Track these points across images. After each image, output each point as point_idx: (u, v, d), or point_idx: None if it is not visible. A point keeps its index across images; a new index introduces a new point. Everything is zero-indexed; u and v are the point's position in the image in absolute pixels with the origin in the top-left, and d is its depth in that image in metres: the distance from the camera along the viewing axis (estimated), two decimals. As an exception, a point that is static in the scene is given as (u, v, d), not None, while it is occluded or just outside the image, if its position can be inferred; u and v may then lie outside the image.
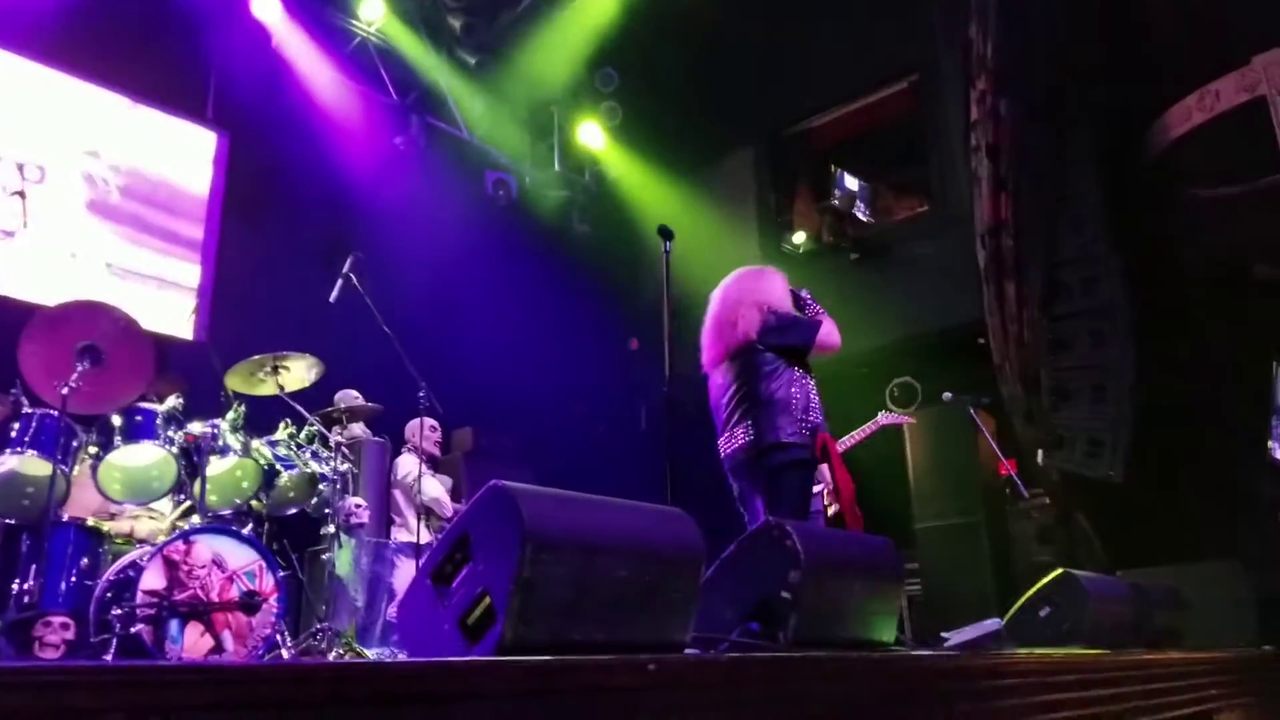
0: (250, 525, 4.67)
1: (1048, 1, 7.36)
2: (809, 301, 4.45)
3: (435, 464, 6.70)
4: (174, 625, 3.82)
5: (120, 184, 7.41)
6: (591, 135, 10.33)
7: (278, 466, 4.93)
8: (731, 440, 4.19)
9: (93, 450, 4.52)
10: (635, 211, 10.24)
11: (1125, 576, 5.17)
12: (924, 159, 9.54)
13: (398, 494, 6.33)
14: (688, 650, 2.12)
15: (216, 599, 3.96)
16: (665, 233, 4.40)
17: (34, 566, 4.01)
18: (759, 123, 10.66)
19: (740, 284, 4.42)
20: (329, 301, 5.61)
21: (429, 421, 6.27)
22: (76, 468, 4.48)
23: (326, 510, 5.14)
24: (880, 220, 9.80)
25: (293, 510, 5.16)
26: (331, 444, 5.22)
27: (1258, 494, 6.66)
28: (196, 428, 4.64)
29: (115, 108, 7.51)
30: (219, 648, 3.90)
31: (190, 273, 7.69)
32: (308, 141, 8.22)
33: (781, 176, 10.67)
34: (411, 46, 9.02)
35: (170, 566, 3.89)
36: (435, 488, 6.31)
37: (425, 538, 5.59)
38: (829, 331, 4.23)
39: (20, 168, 6.85)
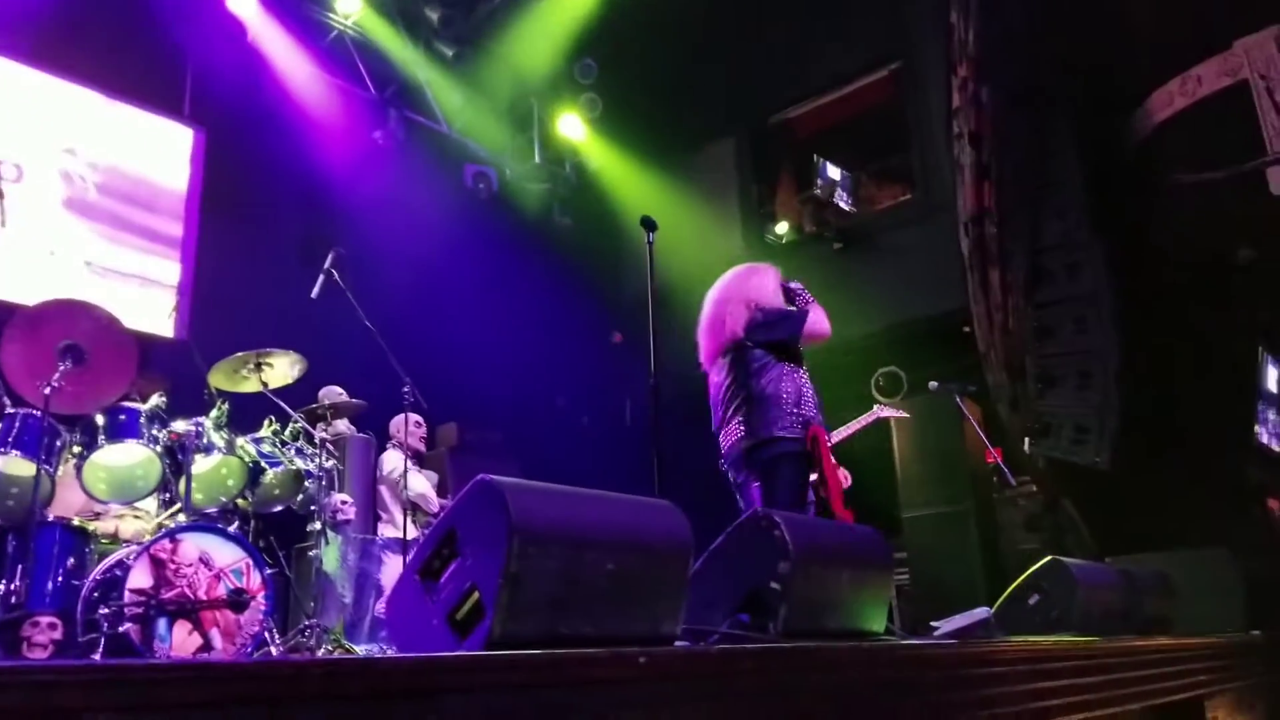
0: (236, 523, 4.65)
1: (1028, -13, 7.38)
2: (799, 292, 4.51)
3: (420, 459, 6.68)
4: (162, 624, 3.80)
5: (98, 181, 7.35)
6: (572, 127, 10.29)
7: (263, 464, 4.91)
8: (728, 436, 4.33)
9: (76, 450, 4.49)
10: (617, 203, 10.21)
11: (1114, 563, 5.18)
12: (906, 147, 9.55)
13: (384, 490, 6.30)
14: (677, 643, 2.11)
15: (204, 597, 3.93)
16: (648, 224, 4.39)
17: (20, 567, 3.99)
18: (740, 112, 10.65)
19: (731, 283, 4.53)
20: (311, 297, 5.58)
21: (413, 417, 6.25)
22: (61, 468, 4.44)
23: (312, 507, 5.12)
24: (863, 209, 9.81)
25: (279, 507, 5.13)
26: (316, 441, 5.20)
27: (1244, 479, 6.71)
28: (180, 426, 4.61)
29: (91, 105, 7.44)
30: (207, 646, 3.88)
31: (170, 270, 7.63)
32: (286, 136, 8.16)
33: (764, 166, 10.66)
34: (389, 39, 8.97)
35: (157, 565, 3.87)
36: (421, 483, 6.29)
37: (412, 533, 5.57)
38: (815, 321, 4.32)
39: (-3, 166, 6.79)
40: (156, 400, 4.71)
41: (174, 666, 1.24)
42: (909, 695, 2.36)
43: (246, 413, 5.09)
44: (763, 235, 10.29)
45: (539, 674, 1.57)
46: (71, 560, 4.19)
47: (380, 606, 5.54)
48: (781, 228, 10.27)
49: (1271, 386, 7.78)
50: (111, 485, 4.54)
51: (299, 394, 5.44)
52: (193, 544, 4.00)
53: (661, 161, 10.35)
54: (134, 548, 4.02)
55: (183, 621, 3.85)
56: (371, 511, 6.29)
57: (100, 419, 4.46)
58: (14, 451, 4.23)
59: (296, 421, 5.26)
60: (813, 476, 4.64)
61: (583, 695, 1.61)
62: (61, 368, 4.09)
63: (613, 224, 9.91)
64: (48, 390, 4.02)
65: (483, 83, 9.70)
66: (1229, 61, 6.75)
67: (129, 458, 4.57)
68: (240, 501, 4.91)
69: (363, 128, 8.95)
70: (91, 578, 4.05)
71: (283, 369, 5.13)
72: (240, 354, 4.97)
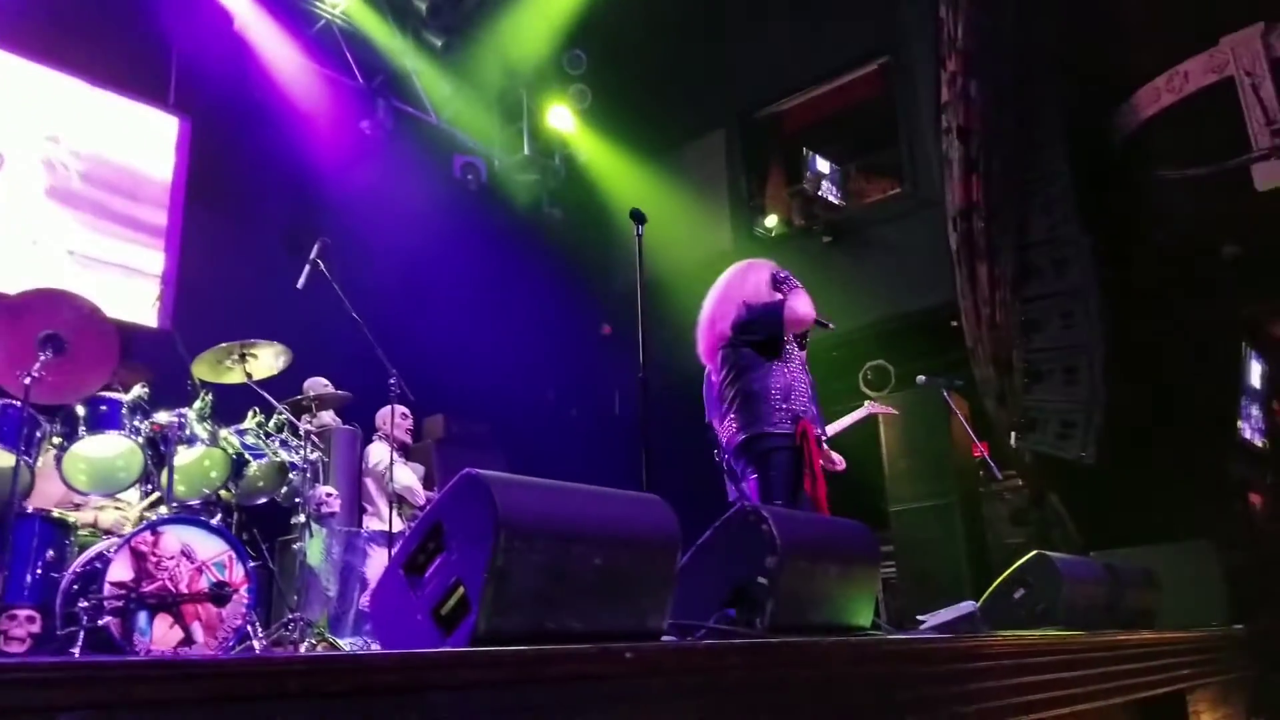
0: (219, 515, 4.60)
1: (1018, -18, 7.38)
2: (783, 280, 4.53)
3: (407, 452, 6.65)
4: (142, 617, 3.76)
5: (81, 170, 7.28)
6: (561, 118, 10.24)
7: (246, 456, 4.86)
8: (724, 431, 4.45)
9: (57, 441, 4.43)
10: (606, 195, 10.17)
11: (1099, 557, 5.21)
12: (895, 141, 9.55)
13: (369, 482, 6.27)
14: (664, 638, 2.10)
15: (186, 590, 3.89)
16: (637, 216, 4.41)
17: (-2, 559, 3.94)
18: (730, 105, 10.62)
19: (726, 281, 4.61)
20: (297, 288, 5.53)
21: (400, 409, 6.21)
22: (40, 459, 4.39)
23: (297, 499, 5.09)
24: (852, 203, 9.81)
25: (262, 500, 5.10)
26: (301, 432, 5.16)
27: (1227, 474, 6.75)
28: (163, 417, 4.57)
29: (75, 92, 7.36)
30: (189, 639, 3.85)
31: (154, 259, 7.57)
32: (272, 126, 8.10)
33: (753, 159, 10.65)
34: (377, 29, 8.91)
35: (138, 558, 3.83)
36: (407, 476, 6.26)
37: (398, 526, 5.55)
38: (793, 309, 4.37)
39: (-22, 154, 6.72)
40: (139, 391, 4.65)
41: (150, 664, 1.22)
42: (895, 690, 2.36)
43: (230, 404, 5.05)
44: (752, 228, 10.28)
45: (525, 670, 1.56)
46: (51, 553, 4.13)
47: (364, 600, 5.52)
48: (771, 221, 10.27)
49: (1254, 382, 7.83)
50: (92, 477, 4.49)
51: (284, 385, 5.40)
52: (175, 536, 3.95)
53: (651, 154, 10.32)
54: (114, 540, 3.98)
55: (164, 615, 3.81)
56: (357, 504, 6.26)
57: (81, 409, 4.40)
58: (-7, 442, 4.18)
59: (281, 413, 5.22)
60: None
61: (569, 691, 1.60)
62: (42, 358, 4.04)
63: (602, 216, 9.87)
64: (28, 380, 3.97)
65: (472, 73, 9.65)
66: (1215, 58, 6.77)
67: (110, 449, 4.52)
68: (223, 493, 4.86)
69: (350, 117, 8.88)
70: (71, 570, 4.00)
71: (267, 360, 5.09)
72: (224, 344, 4.93)
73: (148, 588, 3.79)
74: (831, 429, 5.74)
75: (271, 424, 5.16)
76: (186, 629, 3.85)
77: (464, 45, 9.44)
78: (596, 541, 1.89)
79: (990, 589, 4.03)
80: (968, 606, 3.84)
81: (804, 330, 4.53)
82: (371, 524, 6.10)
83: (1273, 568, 6.19)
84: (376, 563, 5.71)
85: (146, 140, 7.76)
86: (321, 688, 1.28)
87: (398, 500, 5.84)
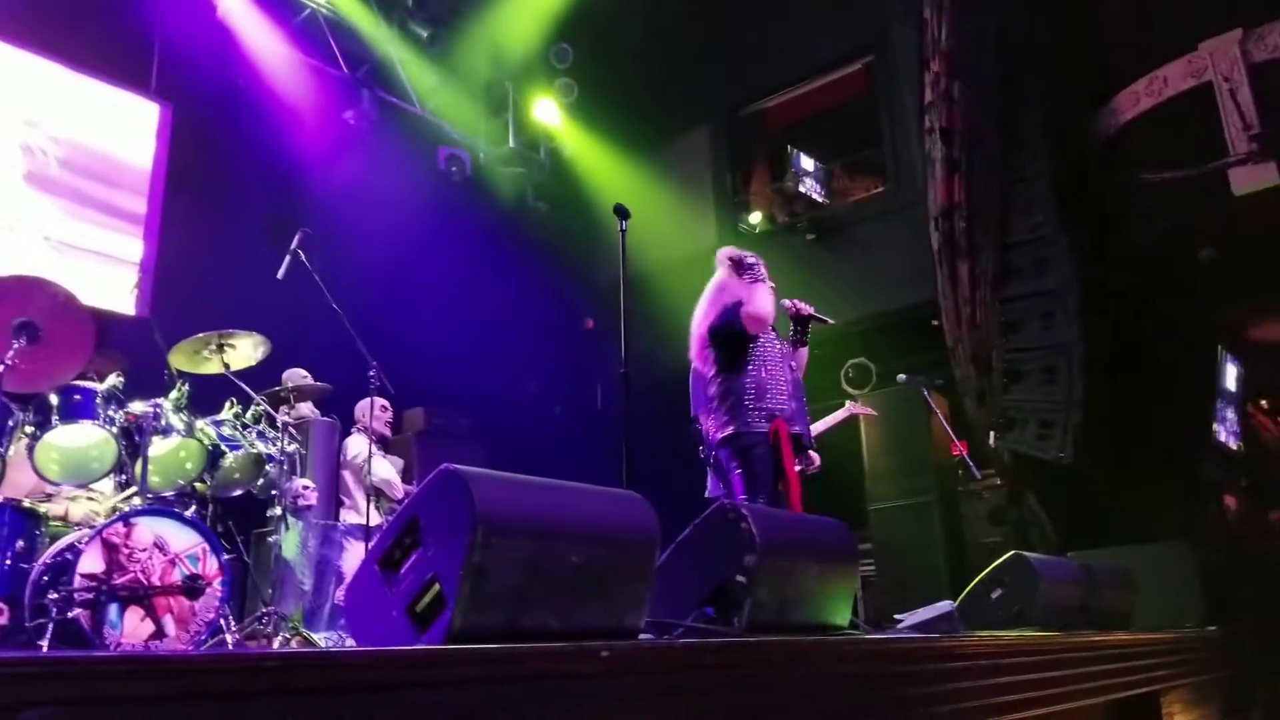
0: (194, 507, 4.54)
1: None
2: (749, 267, 4.57)
3: (386, 445, 6.61)
4: (113, 610, 3.72)
5: (59, 155, 7.20)
6: (547, 111, 10.21)
7: (223, 447, 4.81)
8: (706, 428, 4.56)
9: (29, 430, 4.37)
10: (591, 189, 10.15)
11: (1075, 558, 5.23)
12: (879, 141, 9.58)
13: (347, 475, 6.23)
14: (642, 636, 2.09)
15: (158, 583, 3.85)
16: (621, 212, 4.41)
17: (-34, 550, 3.89)
18: (715, 101, 10.63)
19: (713, 285, 4.68)
20: (277, 278, 5.49)
21: (380, 401, 6.18)
22: (12, 448, 4.33)
23: (273, 492, 5.03)
24: (836, 201, 9.84)
25: (238, 492, 5.03)
26: (278, 424, 5.11)
27: (1203, 476, 6.79)
28: (138, 407, 4.51)
29: (54, 77, 7.28)
30: (160, 633, 3.80)
31: (132, 247, 7.50)
32: (255, 114, 8.04)
33: (738, 156, 10.66)
34: (362, 18, 8.85)
35: (110, 549, 3.78)
36: (386, 469, 6.23)
37: (375, 520, 5.51)
38: (748, 312, 4.40)
39: (-47, 137, 6.63)
40: (114, 380, 4.59)
41: (119, 659, 1.20)
42: (873, 689, 2.36)
43: (207, 394, 4.99)
44: (736, 225, 10.29)
45: (500, 668, 1.54)
46: (20, 543, 4.07)
47: (340, 594, 5.48)
48: (755, 217, 10.28)
49: (1230, 385, 7.89)
50: (64, 467, 4.43)
51: (262, 376, 5.35)
52: (148, 528, 3.91)
53: (636, 149, 10.31)
54: (86, 531, 3.93)
55: (135, 608, 3.77)
56: (334, 497, 6.22)
57: (54, 398, 4.34)
58: (-36, 431, 4.13)
59: (259, 404, 5.17)
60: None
61: (545, 690, 1.58)
62: (15, 345, 3.98)
63: (586, 210, 9.83)
64: (0, 368, 3.92)
65: (457, 64, 9.61)
66: (1194, 63, 6.81)
67: (83, 439, 4.46)
68: (199, 485, 4.81)
69: (334, 107, 8.82)
70: (41, 561, 3.95)
71: (246, 350, 5.04)
72: (202, 334, 4.87)
73: (119, 580, 3.75)
74: (815, 428, 5.76)
75: (249, 415, 5.10)
76: (158, 622, 3.81)
77: (450, 36, 9.40)
78: (575, 539, 1.88)
79: (968, 589, 4.05)
80: (945, 606, 3.85)
81: (803, 322, 4.67)
82: (348, 517, 6.07)
83: (1246, 570, 6.25)
84: (353, 556, 5.68)
85: (127, 126, 7.68)
86: (293, 685, 1.26)
87: (375, 493, 5.80)
